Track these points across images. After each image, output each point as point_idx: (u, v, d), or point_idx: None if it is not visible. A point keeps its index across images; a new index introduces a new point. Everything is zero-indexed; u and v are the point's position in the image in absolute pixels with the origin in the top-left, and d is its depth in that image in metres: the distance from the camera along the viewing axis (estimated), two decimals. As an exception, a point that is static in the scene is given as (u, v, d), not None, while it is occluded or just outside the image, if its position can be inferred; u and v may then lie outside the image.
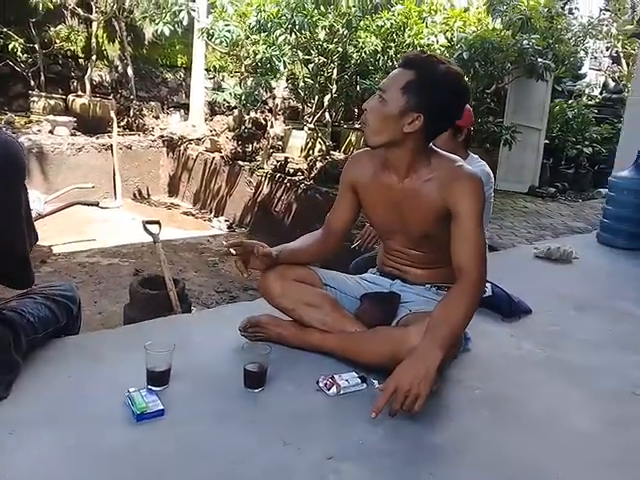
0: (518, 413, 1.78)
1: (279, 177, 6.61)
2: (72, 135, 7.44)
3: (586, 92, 9.76)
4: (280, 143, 7.64)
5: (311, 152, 7.08)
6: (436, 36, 6.14)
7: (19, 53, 7.45)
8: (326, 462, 1.44)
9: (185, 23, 6.33)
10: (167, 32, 6.35)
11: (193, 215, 7.49)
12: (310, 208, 5.88)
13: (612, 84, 9.82)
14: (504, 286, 2.52)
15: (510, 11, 5.85)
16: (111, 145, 7.50)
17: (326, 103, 7.08)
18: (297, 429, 1.57)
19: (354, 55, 6.54)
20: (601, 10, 10.69)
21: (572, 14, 9.12)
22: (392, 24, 6.23)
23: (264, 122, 7.99)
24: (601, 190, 7.00)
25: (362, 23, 6.19)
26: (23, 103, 7.89)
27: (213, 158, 7.53)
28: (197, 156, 7.74)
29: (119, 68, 8.79)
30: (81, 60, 8.38)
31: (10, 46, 7.35)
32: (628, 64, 9.71)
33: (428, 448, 1.54)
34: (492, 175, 2.61)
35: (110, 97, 8.28)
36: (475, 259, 1.74)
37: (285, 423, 1.59)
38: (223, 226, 6.90)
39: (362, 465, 1.45)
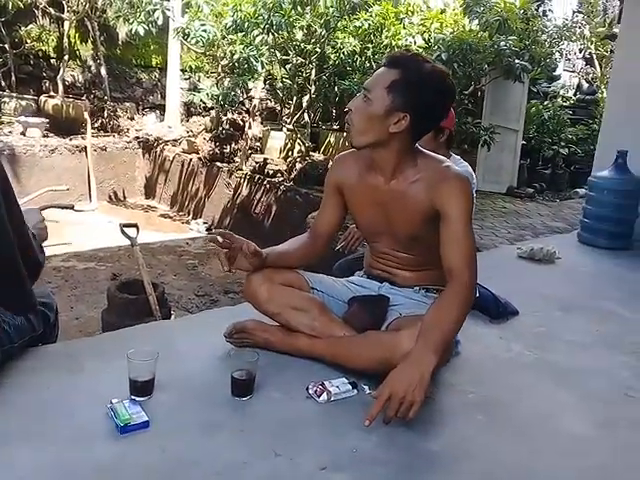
0: (511, 416, 1.76)
1: (258, 178, 6.55)
2: (45, 136, 7.30)
3: (561, 93, 9.87)
4: (258, 144, 7.58)
5: (290, 153, 7.03)
6: (414, 37, 6.15)
7: (-12, 53, 7.29)
8: (319, 473, 1.40)
9: (160, 23, 6.24)
10: (142, 32, 6.25)
11: (171, 217, 7.40)
12: (290, 209, 5.84)
13: (586, 85, 9.93)
14: (489, 287, 2.51)
15: (487, 12, 5.87)
16: (85, 147, 7.37)
17: (305, 104, 7.05)
18: (288, 438, 1.52)
19: (332, 56, 6.52)
20: (574, 12, 10.83)
21: (546, 16, 9.21)
22: (370, 25, 6.23)
23: (242, 123, 7.92)
24: (578, 190, 7.08)
25: (340, 24, 6.17)
26: (-7, 104, 7.70)
27: (190, 159, 7.44)
28: (174, 157, 7.64)
29: (92, 68, 8.63)
30: (53, 60, 8.21)
31: (-21, 46, 7.19)
32: (601, 66, 9.85)
33: (423, 455, 1.51)
34: (474, 175, 2.60)
35: (83, 98, 8.13)
36: (466, 261, 1.71)
37: (275, 432, 1.54)
38: (202, 228, 6.82)
39: (356, 475, 1.41)
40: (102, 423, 1.50)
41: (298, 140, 6.95)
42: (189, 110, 9.03)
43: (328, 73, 6.72)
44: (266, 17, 5.67)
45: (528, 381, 1.99)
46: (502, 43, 5.78)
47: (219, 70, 6.93)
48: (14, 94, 7.62)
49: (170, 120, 8.38)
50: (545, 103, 8.46)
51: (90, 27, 8.29)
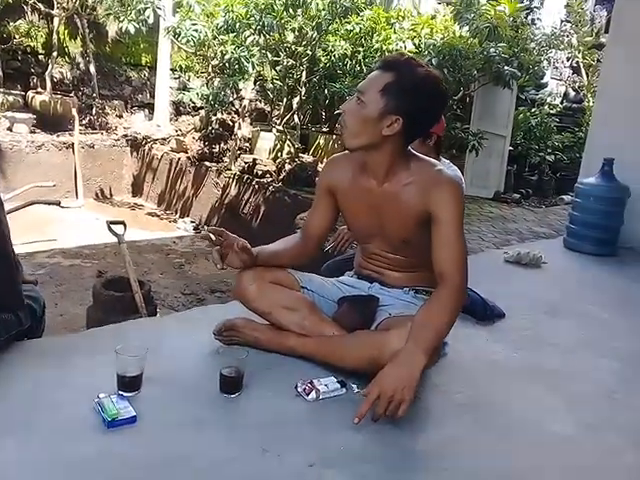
0: (497, 417, 1.77)
1: (247, 179, 6.54)
2: (32, 132, 7.24)
3: (548, 101, 9.96)
4: (248, 145, 7.57)
5: (280, 154, 7.03)
6: (404, 42, 6.19)
7: (-24, 48, 7.22)
8: (307, 469, 1.40)
9: (150, 21, 6.22)
10: (132, 30, 6.24)
11: (158, 216, 7.35)
12: (279, 210, 5.83)
13: (572, 94, 10.01)
14: (477, 290, 2.52)
15: (477, 19, 5.92)
16: (72, 143, 7.30)
17: (295, 106, 7.05)
18: (276, 435, 1.52)
19: (323, 58, 6.55)
20: (562, 21, 10.93)
21: (535, 24, 9.30)
22: (361, 29, 6.28)
23: (231, 123, 7.90)
24: (564, 197, 7.14)
25: (331, 27, 6.20)
26: (-20, 99, 7.62)
27: (179, 158, 7.40)
28: (162, 156, 7.59)
29: (81, 65, 8.55)
30: (41, 56, 8.12)
31: (-34, 40, 7.11)
32: (588, 74, 9.93)
33: (411, 454, 1.52)
34: (463, 180, 2.62)
35: (71, 95, 8.05)
36: (457, 264, 1.73)
37: (263, 429, 1.54)
38: (189, 227, 6.79)
39: (344, 472, 1.41)
40: (88, 417, 1.49)
41: (287, 141, 6.95)
42: (178, 109, 8.99)
43: (319, 75, 6.74)
44: (258, 18, 5.68)
45: (514, 383, 2.01)
46: (492, 50, 5.84)
47: (209, 70, 6.91)
48: (1, 89, 7.52)
49: (159, 119, 8.34)
50: (532, 110, 8.53)
51: (80, 24, 8.22)
